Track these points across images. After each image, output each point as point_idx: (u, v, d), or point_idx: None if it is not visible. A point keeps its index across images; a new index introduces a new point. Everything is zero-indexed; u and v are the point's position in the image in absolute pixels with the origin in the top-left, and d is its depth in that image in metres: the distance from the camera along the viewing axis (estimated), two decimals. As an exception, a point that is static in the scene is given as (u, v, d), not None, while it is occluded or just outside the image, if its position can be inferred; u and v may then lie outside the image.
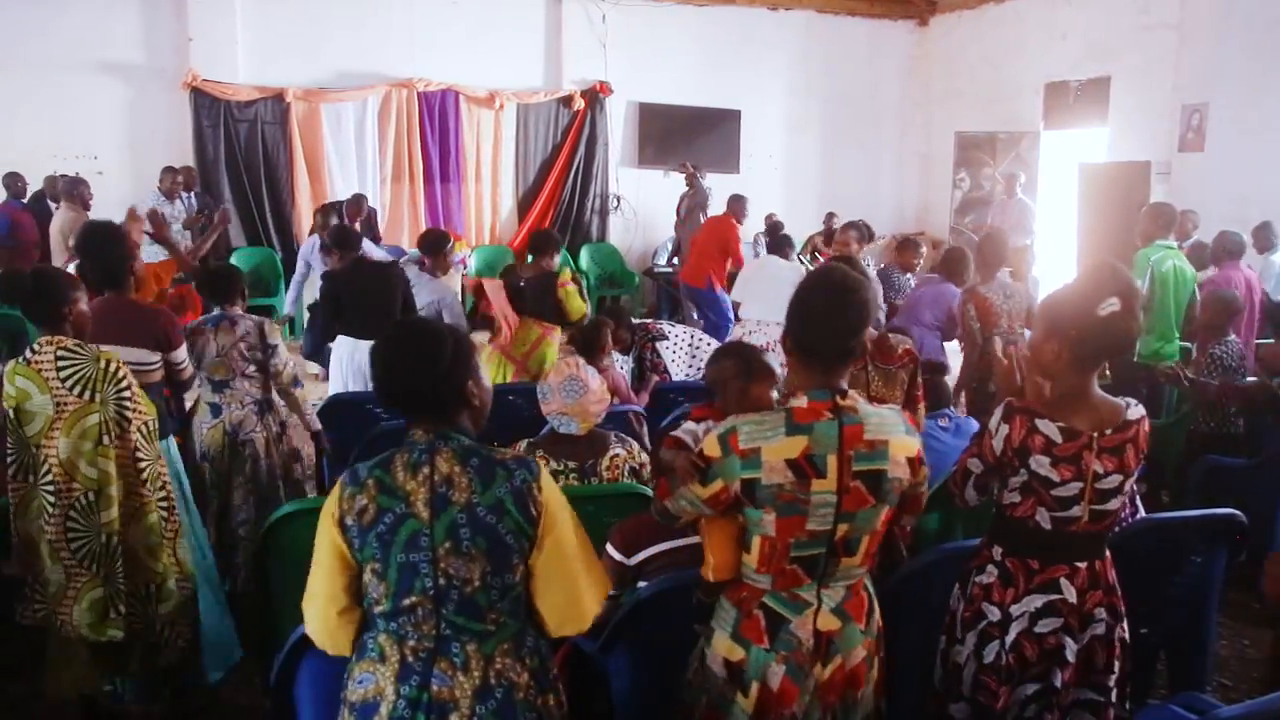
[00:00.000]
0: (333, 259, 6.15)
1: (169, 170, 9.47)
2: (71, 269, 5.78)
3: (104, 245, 4.07)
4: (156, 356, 3.89)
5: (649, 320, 6.43)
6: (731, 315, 9.51)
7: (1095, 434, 2.52)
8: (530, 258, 6.81)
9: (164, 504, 3.44)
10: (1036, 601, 2.59)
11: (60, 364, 3.26)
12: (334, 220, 8.16)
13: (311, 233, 9.42)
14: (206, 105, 10.97)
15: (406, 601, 2.12)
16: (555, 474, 3.32)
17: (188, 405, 4.73)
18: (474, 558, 2.12)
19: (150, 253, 7.50)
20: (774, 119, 13.54)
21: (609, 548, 2.82)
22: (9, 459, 3.34)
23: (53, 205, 9.26)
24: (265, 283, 10.87)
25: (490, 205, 12.45)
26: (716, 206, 10.53)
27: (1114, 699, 2.69)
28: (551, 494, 2.21)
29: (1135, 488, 2.99)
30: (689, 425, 2.75)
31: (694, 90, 12.88)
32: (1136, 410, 2.60)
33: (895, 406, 2.46)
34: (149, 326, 3.89)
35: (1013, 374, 2.82)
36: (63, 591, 3.33)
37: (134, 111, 10.93)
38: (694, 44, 12.88)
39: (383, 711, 2.12)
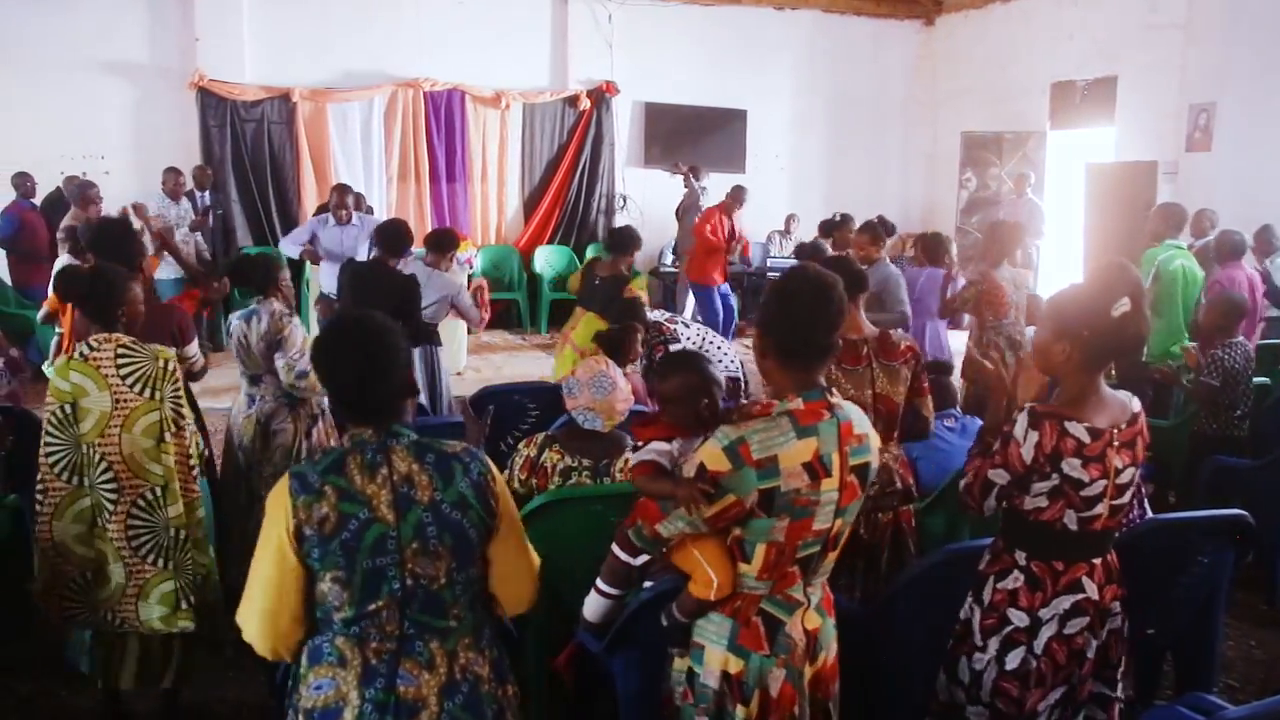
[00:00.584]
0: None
1: (171, 170, 9.47)
2: (58, 265, 5.81)
3: (115, 242, 4.09)
4: (171, 351, 3.91)
5: (663, 321, 6.42)
6: (719, 310, 9.55)
7: (1114, 430, 2.53)
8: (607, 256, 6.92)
9: (201, 502, 3.48)
10: (1065, 603, 2.59)
11: (120, 361, 3.28)
12: (334, 196, 8.24)
13: (318, 212, 9.38)
14: (213, 105, 10.99)
15: (371, 606, 2.09)
16: (569, 470, 3.31)
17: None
18: (440, 555, 2.12)
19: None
20: (780, 119, 13.53)
21: (615, 548, 2.82)
22: (54, 459, 3.32)
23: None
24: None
25: (496, 205, 12.46)
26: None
27: (1119, 693, 2.70)
28: (501, 483, 2.25)
29: (1143, 488, 2.99)
30: (658, 445, 2.65)
31: (700, 90, 12.88)
32: (1136, 402, 2.63)
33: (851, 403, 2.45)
34: (163, 322, 3.92)
35: (1002, 378, 2.81)
36: (122, 590, 3.34)
37: (141, 111, 10.95)
38: (700, 44, 12.88)
39: (346, 716, 2.08)
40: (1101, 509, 2.55)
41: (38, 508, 3.37)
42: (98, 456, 3.28)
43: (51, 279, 5.39)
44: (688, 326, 6.84)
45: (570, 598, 2.83)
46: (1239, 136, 9.65)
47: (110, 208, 8.28)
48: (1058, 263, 11.79)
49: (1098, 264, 2.68)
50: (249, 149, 11.21)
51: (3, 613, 3.90)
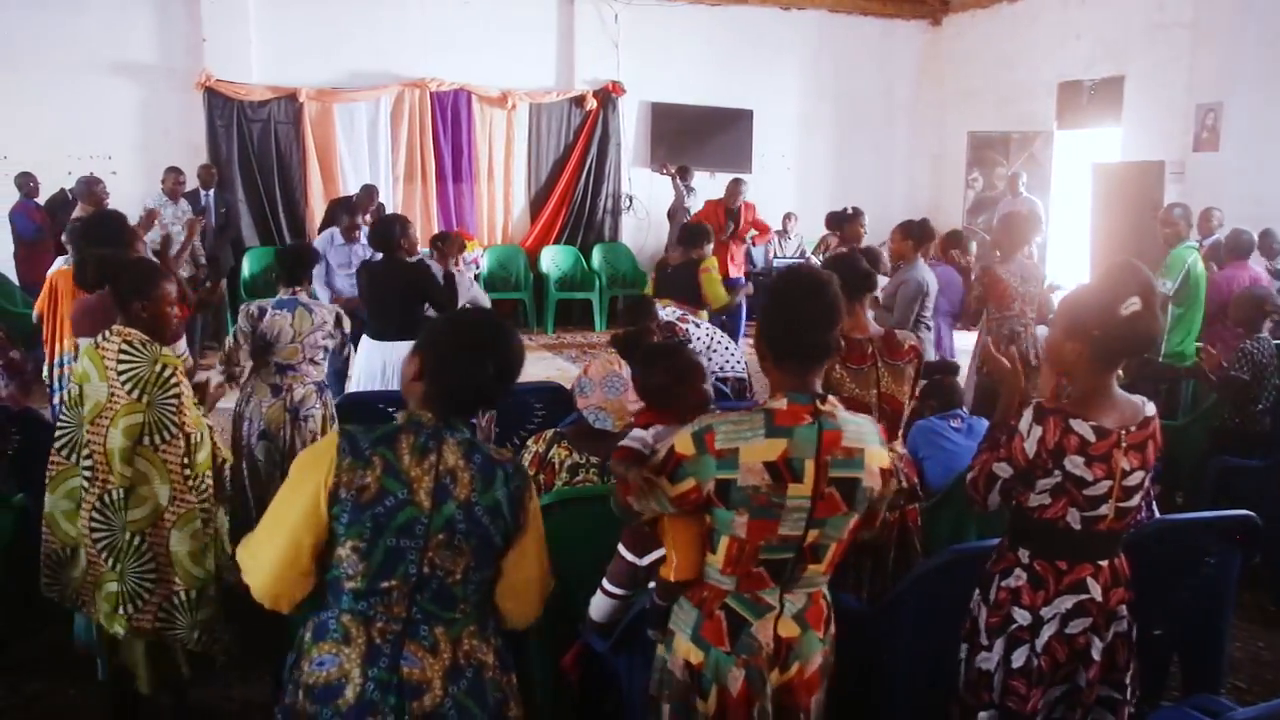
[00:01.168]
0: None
1: (171, 170, 9.47)
2: (60, 263, 5.81)
3: (104, 239, 4.07)
4: (178, 360, 3.90)
5: (675, 320, 6.44)
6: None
7: (1123, 431, 2.52)
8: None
9: (205, 513, 3.43)
10: (1067, 603, 2.58)
11: (121, 357, 3.28)
12: (344, 216, 8.18)
13: (323, 227, 9.42)
14: (220, 105, 11.01)
15: (384, 584, 2.10)
16: (576, 466, 3.31)
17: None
18: (463, 553, 2.13)
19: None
20: (786, 119, 13.52)
21: (621, 548, 2.82)
22: (60, 433, 3.38)
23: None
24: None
25: (503, 205, 12.46)
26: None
27: (1129, 696, 2.69)
28: (535, 503, 2.27)
29: (1151, 488, 2.98)
30: (637, 432, 2.72)
31: (706, 90, 12.88)
32: (1150, 406, 2.61)
33: (869, 417, 2.44)
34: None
35: (1016, 375, 2.81)
36: (85, 576, 3.38)
37: (148, 112, 10.98)
38: (706, 44, 12.88)
39: (348, 694, 2.09)
40: (1106, 510, 2.54)
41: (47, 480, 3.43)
42: (86, 441, 3.30)
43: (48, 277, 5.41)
44: (698, 326, 6.85)
45: (576, 598, 2.84)
46: (1246, 136, 9.63)
47: (118, 206, 8.28)
48: (1064, 263, 11.76)
49: (1108, 264, 2.68)
50: (256, 149, 11.23)
51: (10, 611, 3.92)
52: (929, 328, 6.12)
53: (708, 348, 6.56)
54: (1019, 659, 2.62)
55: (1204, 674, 3.60)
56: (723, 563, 2.28)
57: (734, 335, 7.80)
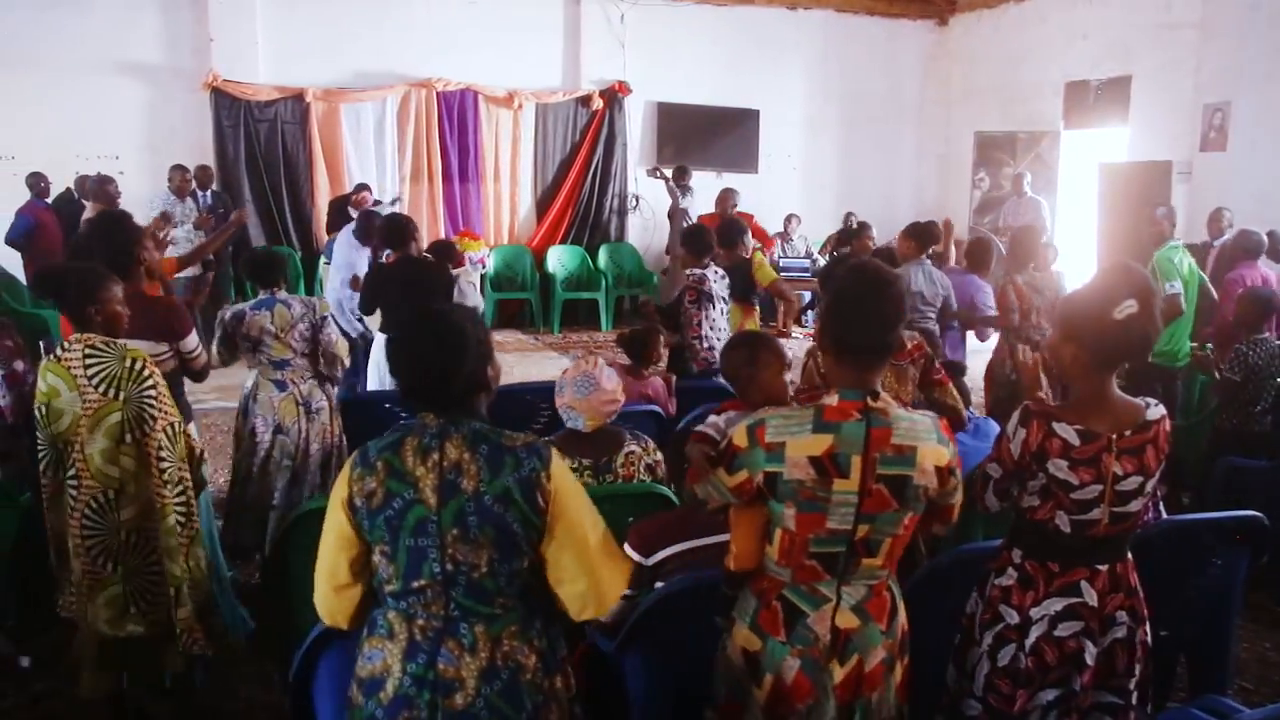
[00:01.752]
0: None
1: (178, 168, 9.48)
2: None
3: (109, 236, 4.07)
4: (164, 347, 3.92)
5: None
6: None
7: (1114, 436, 2.49)
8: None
9: (182, 508, 3.40)
10: (1056, 605, 2.57)
11: (88, 361, 3.27)
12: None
13: (330, 229, 9.46)
14: (227, 105, 11.04)
15: (416, 583, 2.14)
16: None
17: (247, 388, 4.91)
18: (481, 545, 2.13)
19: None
20: (793, 119, 13.52)
21: (626, 548, 2.82)
22: (40, 454, 3.36)
23: (86, 204, 9.31)
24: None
25: (509, 205, 12.48)
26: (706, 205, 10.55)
27: (1134, 702, 2.67)
28: (562, 481, 2.21)
29: (1158, 489, 2.97)
30: (713, 418, 2.79)
31: (712, 90, 12.89)
32: (1157, 410, 2.57)
33: (932, 414, 2.41)
34: (151, 317, 3.89)
35: (1037, 376, 2.81)
36: (80, 585, 3.35)
37: (155, 111, 11.01)
38: (712, 44, 12.89)
39: (388, 687, 2.15)
40: (1098, 514, 2.52)
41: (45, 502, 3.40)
42: (69, 454, 3.29)
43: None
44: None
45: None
46: (1254, 136, 9.61)
47: (125, 206, 8.30)
48: (1071, 263, 11.73)
49: (1103, 266, 2.67)
50: (262, 149, 11.26)
51: (15, 610, 3.93)
52: (923, 330, 6.08)
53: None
54: (1004, 657, 2.61)
55: (1211, 675, 3.58)
56: (777, 554, 2.31)
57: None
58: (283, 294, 4.87)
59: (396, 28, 11.65)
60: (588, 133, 12.58)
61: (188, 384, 4.21)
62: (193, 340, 4.02)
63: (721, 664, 2.43)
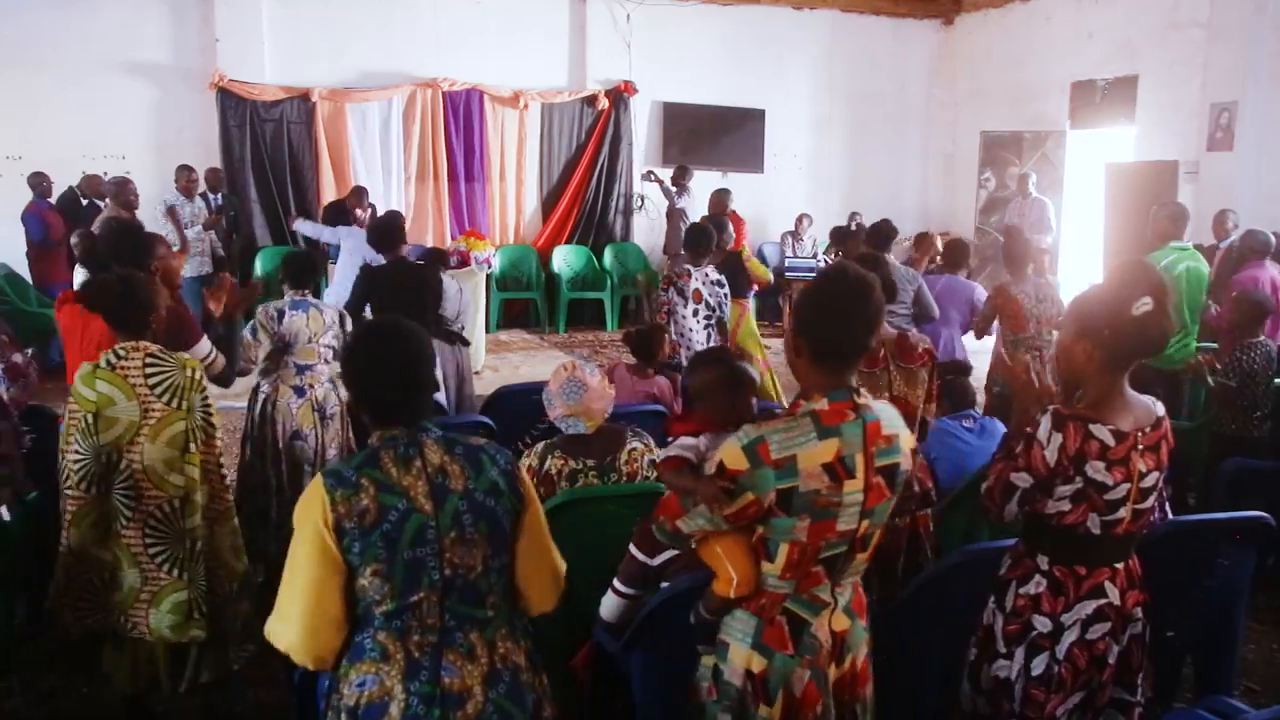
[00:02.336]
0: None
1: (184, 168, 9.50)
2: (77, 279, 5.81)
3: (122, 245, 4.07)
4: (197, 360, 3.91)
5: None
6: None
7: (1139, 433, 2.50)
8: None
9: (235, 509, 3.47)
10: (1088, 608, 2.56)
11: (149, 370, 3.26)
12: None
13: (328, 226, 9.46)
14: (233, 105, 11.04)
15: (413, 598, 2.11)
16: (575, 473, 3.32)
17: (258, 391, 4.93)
18: (477, 543, 2.15)
19: None
20: (798, 118, 13.50)
21: (632, 548, 2.82)
22: (77, 466, 3.27)
23: (100, 203, 9.31)
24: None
25: (514, 205, 12.48)
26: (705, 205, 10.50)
27: (1140, 697, 2.67)
28: (526, 475, 2.31)
29: (1164, 489, 2.96)
30: (685, 440, 2.71)
31: (718, 90, 12.88)
32: (1160, 406, 2.60)
33: (885, 402, 2.44)
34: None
35: (1031, 384, 2.79)
36: (135, 595, 3.33)
37: (161, 112, 11.01)
38: (718, 43, 12.88)
39: (393, 711, 2.08)
40: (1124, 513, 2.53)
41: (63, 513, 3.37)
42: (122, 464, 3.26)
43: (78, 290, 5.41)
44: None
45: (587, 597, 2.84)
46: (1261, 136, 9.59)
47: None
48: (1078, 263, 11.73)
49: (1119, 263, 2.66)
50: (268, 149, 11.26)
51: (23, 609, 3.93)
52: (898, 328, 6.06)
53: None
54: (1038, 667, 2.59)
55: (1217, 676, 3.58)
56: (782, 569, 2.27)
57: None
58: (314, 299, 4.92)
59: (402, 28, 11.65)
60: (593, 133, 12.57)
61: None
62: (204, 347, 3.95)
63: (711, 692, 2.37)
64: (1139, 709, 2.68)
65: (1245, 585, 3.51)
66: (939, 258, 7.91)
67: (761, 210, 12.94)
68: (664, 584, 2.84)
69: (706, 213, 9.51)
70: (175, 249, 7.33)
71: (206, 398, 3.38)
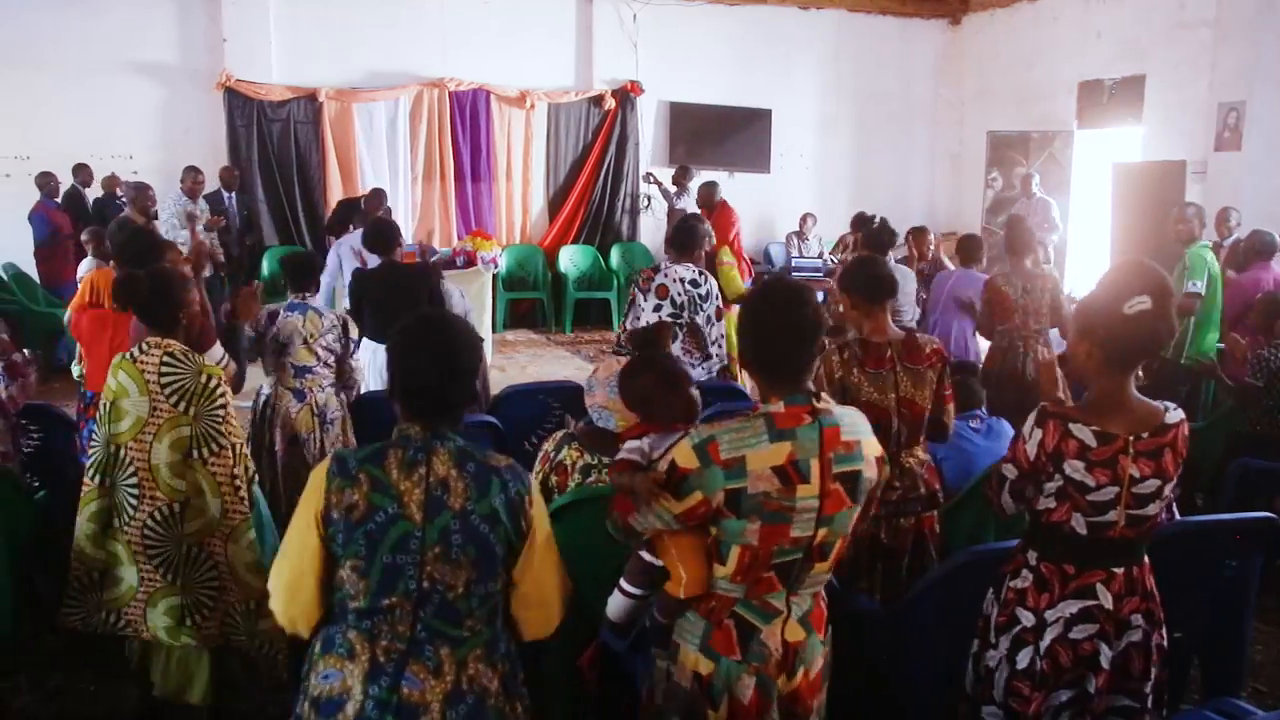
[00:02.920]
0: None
1: (190, 170, 9.51)
2: (84, 268, 5.82)
3: (137, 252, 4.07)
4: (221, 370, 3.91)
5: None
6: None
7: (1131, 438, 2.48)
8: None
9: (254, 525, 3.43)
10: (1072, 607, 2.56)
11: (163, 369, 3.27)
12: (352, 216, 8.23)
13: (329, 227, 9.47)
14: (240, 105, 11.06)
15: (385, 601, 2.10)
16: (589, 467, 3.31)
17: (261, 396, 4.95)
18: (461, 565, 2.11)
19: None
20: (805, 118, 13.49)
21: (641, 551, 2.81)
22: (91, 453, 3.34)
23: (120, 202, 9.31)
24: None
25: (521, 204, 12.48)
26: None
27: (1149, 705, 2.66)
28: (539, 507, 2.24)
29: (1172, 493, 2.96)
30: (631, 444, 2.72)
31: (725, 89, 12.87)
32: (1175, 414, 2.56)
33: (853, 409, 2.42)
34: None
35: (1055, 378, 2.80)
36: (133, 593, 3.33)
37: (169, 111, 11.04)
38: (725, 43, 12.87)
39: (348, 710, 2.09)
40: (1115, 516, 2.51)
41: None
42: (127, 459, 3.27)
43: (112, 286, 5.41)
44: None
45: (593, 597, 2.83)
46: (1269, 136, 9.55)
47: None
48: (1086, 263, 11.70)
49: (1116, 263, 2.65)
50: (275, 149, 11.28)
51: (30, 607, 3.94)
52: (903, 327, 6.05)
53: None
54: (1023, 660, 2.60)
55: (1224, 677, 3.57)
56: (733, 572, 2.26)
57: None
58: (314, 301, 4.92)
59: (409, 28, 11.67)
60: (600, 133, 12.57)
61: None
62: (217, 352, 3.95)
63: (665, 695, 2.37)
64: (1147, 716, 2.66)
65: (1253, 586, 3.50)
66: (929, 254, 7.89)
67: (768, 210, 12.94)
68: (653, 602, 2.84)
69: (700, 209, 9.50)
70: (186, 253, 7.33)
71: (221, 408, 3.33)
